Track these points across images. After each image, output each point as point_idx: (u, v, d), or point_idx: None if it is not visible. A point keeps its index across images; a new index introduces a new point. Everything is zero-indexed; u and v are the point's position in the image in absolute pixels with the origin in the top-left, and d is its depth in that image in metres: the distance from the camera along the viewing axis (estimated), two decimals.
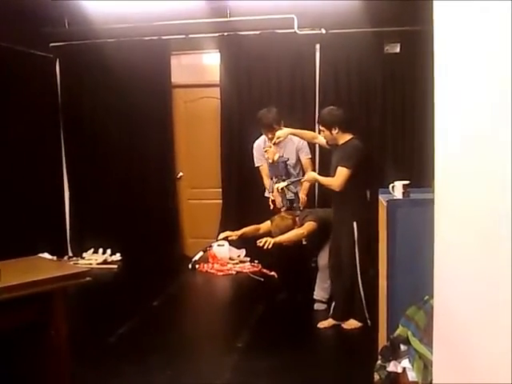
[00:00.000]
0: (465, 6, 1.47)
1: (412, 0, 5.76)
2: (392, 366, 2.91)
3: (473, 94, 1.44)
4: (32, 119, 7.06)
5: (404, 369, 2.83)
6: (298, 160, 6.13)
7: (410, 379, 2.72)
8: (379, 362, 3.02)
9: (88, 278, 3.65)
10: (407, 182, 3.60)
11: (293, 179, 5.47)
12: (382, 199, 3.68)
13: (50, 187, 7.62)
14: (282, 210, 5.69)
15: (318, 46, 7.17)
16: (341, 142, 4.93)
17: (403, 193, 3.55)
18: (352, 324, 4.93)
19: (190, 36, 7.34)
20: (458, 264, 1.57)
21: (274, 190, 5.56)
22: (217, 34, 7.30)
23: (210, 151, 7.44)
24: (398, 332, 2.99)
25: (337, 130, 4.87)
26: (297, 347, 4.58)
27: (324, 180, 5.07)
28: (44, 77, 7.53)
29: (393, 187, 3.64)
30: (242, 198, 7.26)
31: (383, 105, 7.09)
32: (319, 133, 5.18)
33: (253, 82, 7.29)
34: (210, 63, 7.71)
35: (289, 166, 5.60)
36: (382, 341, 3.49)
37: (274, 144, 5.57)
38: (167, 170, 7.57)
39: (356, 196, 4.87)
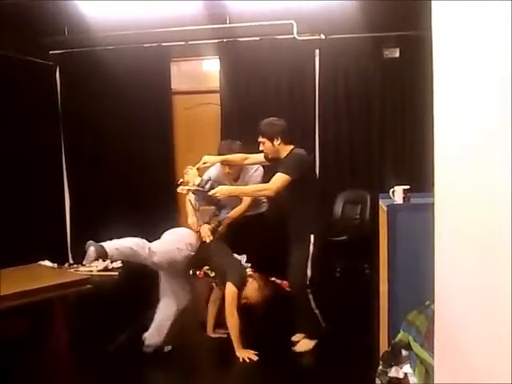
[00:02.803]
0: (464, 10, 1.47)
1: (411, 5, 5.76)
2: (393, 372, 2.90)
3: (472, 99, 1.44)
4: (32, 127, 7.07)
5: (405, 374, 2.82)
6: None
7: None
8: (380, 367, 3.00)
9: (88, 286, 3.66)
10: (407, 187, 3.60)
11: (199, 188, 4.75)
12: (383, 204, 3.68)
13: (50, 194, 7.62)
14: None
15: (317, 52, 7.20)
16: (283, 154, 4.61)
17: (403, 197, 3.54)
18: (304, 345, 4.69)
19: (190, 42, 7.37)
20: (458, 268, 1.57)
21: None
22: (216, 41, 7.33)
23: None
24: (399, 337, 2.98)
25: (279, 141, 4.57)
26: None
27: (248, 189, 4.83)
28: (44, 84, 7.55)
29: (393, 192, 3.63)
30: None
31: (383, 109, 7.10)
32: (259, 145, 4.71)
33: (252, 88, 7.30)
34: (209, 69, 7.73)
35: (205, 191, 4.79)
36: (383, 346, 3.48)
37: (197, 169, 4.91)
38: (167, 176, 7.56)
39: (310, 206, 4.61)
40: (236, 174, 5.20)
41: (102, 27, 7.14)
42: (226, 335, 4.86)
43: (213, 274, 4.76)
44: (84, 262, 4.05)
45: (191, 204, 5.05)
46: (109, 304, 5.25)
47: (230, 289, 4.51)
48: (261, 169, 5.24)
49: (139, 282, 6.42)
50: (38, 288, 3.42)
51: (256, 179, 5.18)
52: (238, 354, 4.48)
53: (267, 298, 4.80)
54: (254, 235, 5.13)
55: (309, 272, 4.58)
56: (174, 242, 4.64)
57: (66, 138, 7.91)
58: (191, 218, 5.09)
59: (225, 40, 7.31)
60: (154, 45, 7.46)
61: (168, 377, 4.46)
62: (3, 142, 6.53)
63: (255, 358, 4.44)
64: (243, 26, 7.12)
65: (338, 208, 7.22)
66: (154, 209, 7.44)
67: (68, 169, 7.96)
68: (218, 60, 7.41)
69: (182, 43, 7.39)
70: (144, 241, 4.45)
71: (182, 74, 7.79)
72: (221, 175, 5.24)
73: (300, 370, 4.36)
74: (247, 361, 4.42)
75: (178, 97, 7.76)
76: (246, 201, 5.11)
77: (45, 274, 3.56)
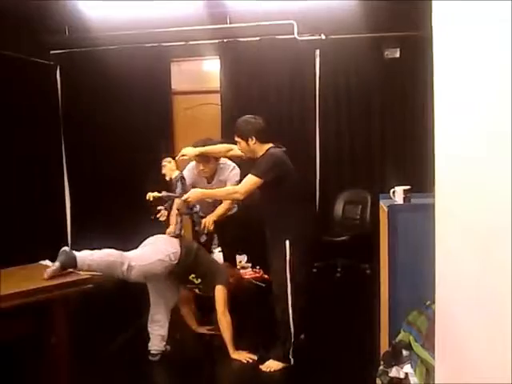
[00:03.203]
0: (464, 10, 1.47)
1: (411, 5, 5.76)
2: (394, 372, 2.90)
3: (473, 99, 1.44)
4: (33, 126, 7.07)
5: (406, 374, 2.82)
6: None
7: None
8: (381, 367, 3.00)
9: (89, 285, 3.66)
10: (408, 187, 3.60)
11: (170, 194, 4.58)
12: (383, 204, 3.68)
13: (51, 194, 7.62)
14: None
15: (317, 52, 7.20)
16: (259, 154, 4.34)
17: (404, 198, 3.54)
18: (272, 366, 4.33)
19: (190, 42, 7.36)
20: (459, 269, 1.57)
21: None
22: (217, 41, 7.32)
23: None
24: (399, 337, 2.98)
25: (254, 141, 4.31)
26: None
27: (217, 192, 4.52)
28: (45, 84, 7.55)
29: (393, 192, 3.63)
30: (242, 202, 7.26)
31: (383, 109, 7.10)
32: (236, 144, 4.53)
33: (253, 88, 7.30)
34: (210, 70, 7.73)
35: (177, 186, 4.67)
36: (384, 346, 3.48)
37: (174, 161, 4.78)
38: None
39: (286, 210, 4.29)
40: (210, 172, 5.06)
41: (103, 27, 7.15)
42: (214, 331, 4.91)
43: (198, 281, 4.65)
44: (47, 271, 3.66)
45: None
46: (110, 304, 5.24)
47: (221, 291, 4.50)
48: (237, 169, 5.11)
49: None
50: (39, 288, 3.42)
51: (233, 179, 5.01)
52: (232, 356, 4.44)
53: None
54: (226, 235, 5.12)
55: (288, 284, 4.24)
56: (156, 253, 4.44)
57: (67, 138, 7.91)
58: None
59: (225, 40, 7.31)
60: (155, 45, 7.46)
61: (169, 376, 4.46)
62: (4, 142, 6.53)
63: (255, 357, 4.43)
64: (243, 26, 7.12)
65: (339, 208, 7.23)
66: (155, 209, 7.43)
67: (69, 169, 7.96)
68: (219, 60, 7.41)
69: (183, 43, 7.39)
70: (123, 255, 4.24)
71: (182, 74, 7.78)
72: (193, 176, 5.11)
73: (300, 370, 4.34)
74: (244, 362, 4.40)
75: (179, 97, 7.76)
76: (227, 202, 4.96)
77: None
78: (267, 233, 4.43)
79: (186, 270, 4.60)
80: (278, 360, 4.32)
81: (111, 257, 4.15)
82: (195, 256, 4.63)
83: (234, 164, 5.13)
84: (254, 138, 4.32)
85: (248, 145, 4.34)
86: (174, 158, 4.78)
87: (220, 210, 4.98)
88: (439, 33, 1.68)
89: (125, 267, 4.17)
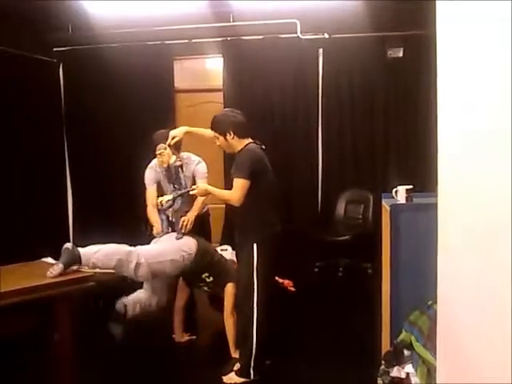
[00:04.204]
0: (468, 9, 1.47)
1: (415, 4, 5.75)
2: (395, 372, 2.90)
3: (476, 98, 1.43)
4: (35, 123, 7.07)
5: (407, 374, 2.82)
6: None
7: None
8: (382, 367, 3.00)
9: (91, 283, 3.66)
10: (410, 187, 3.59)
11: (180, 192, 4.50)
12: (385, 204, 3.67)
13: (53, 192, 7.63)
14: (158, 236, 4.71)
15: (321, 51, 7.20)
16: (238, 149, 4.18)
17: (406, 197, 3.54)
18: (232, 379, 4.16)
19: (193, 41, 7.35)
20: (461, 269, 1.57)
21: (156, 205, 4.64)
22: (220, 39, 7.32)
23: (213, 156, 7.44)
24: (401, 337, 2.98)
25: (232, 136, 4.13)
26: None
27: (220, 192, 4.22)
28: (48, 81, 7.55)
29: (396, 192, 3.63)
30: None
31: (386, 109, 7.10)
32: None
33: (256, 87, 7.30)
34: (212, 68, 7.73)
35: (180, 174, 4.67)
36: (386, 346, 3.48)
37: (169, 146, 4.68)
38: None
39: (255, 212, 4.09)
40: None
41: (106, 25, 7.14)
42: (194, 336, 4.95)
43: (210, 279, 4.62)
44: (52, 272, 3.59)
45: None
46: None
47: (232, 289, 4.43)
48: (203, 163, 4.97)
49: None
50: (42, 285, 3.42)
51: (202, 174, 4.87)
52: (233, 355, 4.41)
53: None
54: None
55: (255, 294, 4.05)
56: (170, 252, 4.40)
57: (69, 135, 7.92)
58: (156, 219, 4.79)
59: (228, 38, 7.31)
60: (158, 43, 7.45)
61: (172, 372, 4.46)
62: (6, 139, 6.53)
63: None
64: (247, 25, 7.12)
65: (341, 208, 7.22)
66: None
67: (71, 166, 7.97)
68: (222, 58, 7.41)
69: (186, 41, 7.38)
70: (131, 252, 4.17)
71: (185, 72, 7.79)
72: (156, 173, 4.96)
73: (303, 370, 4.34)
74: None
75: (181, 95, 7.76)
76: (201, 198, 4.72)
77: (47, 271, 3.56)
78: (236, 235, 4.33)
79: (200, 269, 4.58)
80: (238, 375, 4.16)
81: (117, 255, 4.08)
82: (211, 257, 4.62)
83: (198, 158, 5.00)
84: (232, 133, 4.14)
85: (226, 140, 4.17)
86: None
87: (198, 206, 4.80)
88: (443, 32, 1.67)
89: (132, 265, 4.12)
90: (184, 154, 4.92)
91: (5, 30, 6.29)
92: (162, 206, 4.46)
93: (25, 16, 6.27)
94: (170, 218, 4.68)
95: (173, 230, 4.70)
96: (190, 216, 4.70)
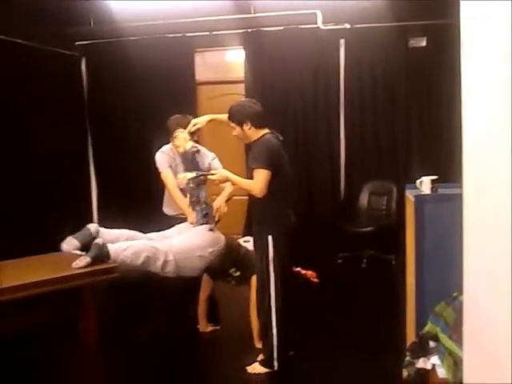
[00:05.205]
0: None
1: None
2: (421, 363, 2.89)
3: (501, 88, 1.42)
4: (58, 117, 7.12)
5: (433, 365, 2.81)
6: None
7: (440, 376, 2.69)
8: (408, 358, 2.99)
9: (116, 274, 3.68)
10: (435, 177, 3.57)
11: (202, 172, 4.37)
12: (410, 195, 3.65)
13: (77, 184, 7.70)
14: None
15: (342, 41, 7.16)
16: (254, 139, 4.16)
17: (431, 188, 3.51)
18: (256, 369, 4.22)
19: (214, 33, 7.35)
20: (487, 260, 1.56)
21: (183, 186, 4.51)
22: (241, 31, 7.31)
23: (235, 147, 7.44)
24: (426, 329, 2.97)
25: (249, 126, 4.11)
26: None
27: (240, 181, 4.15)
28: (70, 75, 7.62)
29: (420, 182, 3.61)
30: None
31: (409, 99, 7.05)
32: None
33: (277, 78, 7.28)
34: (234, 60, 7.73)
35: (198, 159, 4.56)
36: (411, 337, 3.47)
37: (189, 133, 4.59)
38: None
39: (270, 204, 4.05)
40: None
41: (127, 18, 7.17)
42: (218, 327, 4.98)
43: (237, 274, 4.64)
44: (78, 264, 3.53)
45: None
46: (137, 292, 5.27)
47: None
48: (217, 159, 4.94)
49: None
50: (66, 275, 3.45)
51: (215, 164, 4.84)
52: (257, 345, 4.44)
53: None
54: None
55: (272, 286, 4.09)
56: (198, 248, 4.37)
57: (92, 128, 7.99)
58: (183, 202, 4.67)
59: (249, 30, 7.30)
60: (179, 35, 7.46)
61: (195, 363, 4.49)
62: (29, 131, 6.59)
63: None
64: (267, 16, 7.10)
65: (364, 199, 7.20)
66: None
67: (94, 158, 8.04)
68: (243, 50, 7.41)
69: (207, 33, 7.38)
70: (159, 250, 4.12)
71: (206, 65, 7.79)
72: (169, 158, 4.87)
73: (327, 361, 4.35)
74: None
75: (202, 87, 7.77)
76: (231, 187, 4.70)
77: (73, 261, 3.58)
78: (253, 226, 4.33)
79: (227, 265, 4.60)
80: (262, 364, 4.21)
81: (145, 252, 4.05)
82: (237, 252, 4.64)
83: (212, 153, 4.98)
84: (249, 123, 4.12)
85: (243, 130, 4.15)
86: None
87: (227, 192, 4.75)
88: (467, 20, 1.65)
89: (160, 262, 4.11)
90: (198, 147, 4.82)
91: (28, 24, 6.33)
92: (186, 183, 4.36)
93: (47, 10, 6.31)
94: (205, 211, 4.53)
95: (206, 223, 4.58)
96: (221, 201, 4.67)
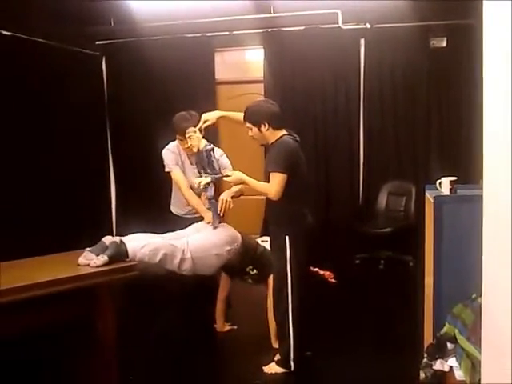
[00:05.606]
0: None
1: None
2: (438, 365, 2.87)
3: None
4: (79, 116, 7.17)
5: (451, 367, 2.80)
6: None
7: (458, 378, 2.68)
8: (425, 360, 2.98)
9: (134, 272, 3.70)
10: (454, 178, 3.55)
11: (217, 176, 4.30)
12: (429, 195, 3.64)
13: (96, 182, 7.75)
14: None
15: (362, 41, 7.14)
16: (271, 141, 4.07)
17: (450, 189, 3.49)
18: (273, 369, 4.19)
19: (234, 32, 7.36)
20: (506, 262, 1.54)
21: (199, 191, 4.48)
22: (261, 30, 7.31)
23: (254, 146, 7.45)
24: (444, 330, 2.95)
25: (267, 127, 4.00)
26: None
27: (256, 184, 4.05)
28: (91, 74, 7.66)
29: (440, 183, 3.59)
30: None
31: (429, 99, 7.02)
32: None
33: (297, 78, 7.28)
34: (253, 59, 7.74)
35: (213, 158, 4.38)
36: (428, 339, 3.45)
37: (199, 130, 4.44)
38: None
39: (288, 204, 3.98)
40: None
41: (148, 17, 7.20)
42: (236, 326, 4.97)
43: (254, 272, 4.62)
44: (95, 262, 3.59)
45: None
46: (153, 291, 5.29)
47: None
48: (225, 155, 4.82)
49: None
50: (85, 274, 3.47)
51: (227, 166, 4.71)
52: (274, 345, 4.43)
53: None
54: None
55: (289, 286, 4.03)
56: (216, 247, 4.33)
57: (112, 126, 8.04)
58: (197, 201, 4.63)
59: (269, 30, 7.30)
60: (198, 35, 7.48)
61: (212, 363, 4.50)
62: (52, 130, 6.65)
63: None
64: (287, 16, 7.10)
65: (382, 200, 7.17)
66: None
67: (114, 157, 8.09)
68: (262, 50, 7.41)
69: (227, 33, 7.39)
70: (176, 248, 4.11)
71: (225, 64, 7.81)
72: (176, 156, 4.79)
73: (343, 362, 4.34)
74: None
75: (222, 87, 7.78)
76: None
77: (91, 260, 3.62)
78: (269, 226, 4.27)
79: (244, 263, 4.59)
80: (279, 365, 4.17)
81: (163, 249, 4.03)
82: (255, 250, 4.62)
83: (220, 150, 4.88)
84: (267, 125, 4.01)
85: (261, 131, 4.04)
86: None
87: (235, 189, 4.52)
88: (489, 21, 1.64)
89: (177, 260, 4.09)
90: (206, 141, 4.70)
91: (48, 24, 6.38)
92: (199, 188, 4.34)
93: (68, 10, 6.35)
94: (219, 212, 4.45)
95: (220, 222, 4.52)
96: (227, 197, 4.47)
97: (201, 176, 4.39)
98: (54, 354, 3.64)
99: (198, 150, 4.40)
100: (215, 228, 4.44)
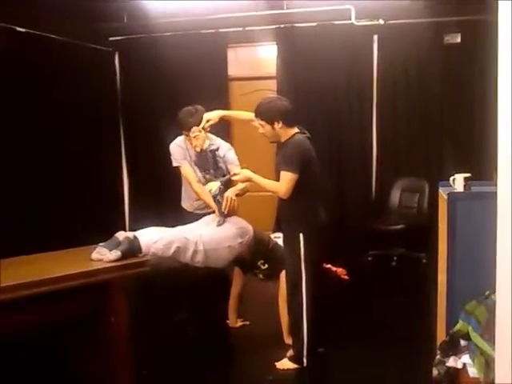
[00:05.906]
0: None
1: None
2: (451, 362, 2.86)
3: None
4: (93, 111, 7.20)
5: (464, 364, 2.78)
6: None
7: (471, 375, 2.67)
8: (438, 356, 2.97)
9: (147, 268, 3.71)
10: (468, 175, 3.53)
11: (225, 178, 4.33)
12: (443, 192, 3.62)
13: (109, 177, 7.78)
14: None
15: (375, 37, 7.12)
16: (284, 138, 4.02)
17: (464, 186, 3.48)
18: (285, 365, 4.20)
19: (247, 28, 7.36)
20: None
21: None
22: (274, 26, 7.30)
23: (266, 143, 7.44)
24: (457, 327, 2.94)
25: (280, 125, 3.94)
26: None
27: (265, 182, 4.05)
28: (103, 70, 7.69)
29: (453, 180, 3.57)
30: None
31: (442, 96, 6.98)
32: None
33: (309, 74, 7.26)
34: (266, 55, 7.73)
35: (218, 158, 4.44)
36: (441, 336, 3.44)
37: (203, 129, 4.42)
38: None
39: (301, 202, 3.98)
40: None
41: (160, 14, 7.21)
42: (248, 322, 4.99)
43: (265, 266, 4.61)
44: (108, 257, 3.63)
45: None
46: (166, 286, 5.31)
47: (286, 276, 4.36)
48: (233, 149, 4.75)
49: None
50: (98, 269, 3.49)
51: (234, 161, 4.64)
52: (286, 341, 4.43)
53: None
54: None
55: (303, 283, 4.03)
56: (228, 239, 4.32)
57: (125, 122, 8.08)
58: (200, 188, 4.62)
59: (282, 26, 7.29)
60: (211, 31, 7.49)
61: (225, 358, 4.51)
62: (64, 126, 6.68)
63: None
64: (300, 12, 7.09)
65: (395, 196, 7.15)
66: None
67: (127, 152, 8.11)
68: (275, 46, 7.40)
69: (239, 29, 7.40)
70: (189, 241, 4.08)
71: (238, 60, 7.80)
72: (182, 151, 4.75)
73: (356, 359, 4.33)
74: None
75: (235, 83, 7.78)
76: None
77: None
78: (282, 223, 4.27)
79: (255, 256, 4.58)
80: (291, 360, 4.18)
81: (176, 243, 4.02)
82: (267, 244, 4.62)
83: (228, 144, 4.81)
84: (280, 122, 3.94)
85: (274, 129, 3.97)
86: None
87: (240, 186, 4.47)
88: (504, 16, 1.63)
89: (190, 252, 4.08)
90: (212, 136, 4.73)
91: (62, 20, 6.41)
92: (215, 194, 4.34)
93: (80, 5, 6.37)
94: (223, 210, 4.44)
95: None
96: (232, 194, 4.42)
97: (205, 176, 4.45)
98: (67, 349, 3.67)
99: (201, 149, 4.43)
100: (220, 225, 4.43)
